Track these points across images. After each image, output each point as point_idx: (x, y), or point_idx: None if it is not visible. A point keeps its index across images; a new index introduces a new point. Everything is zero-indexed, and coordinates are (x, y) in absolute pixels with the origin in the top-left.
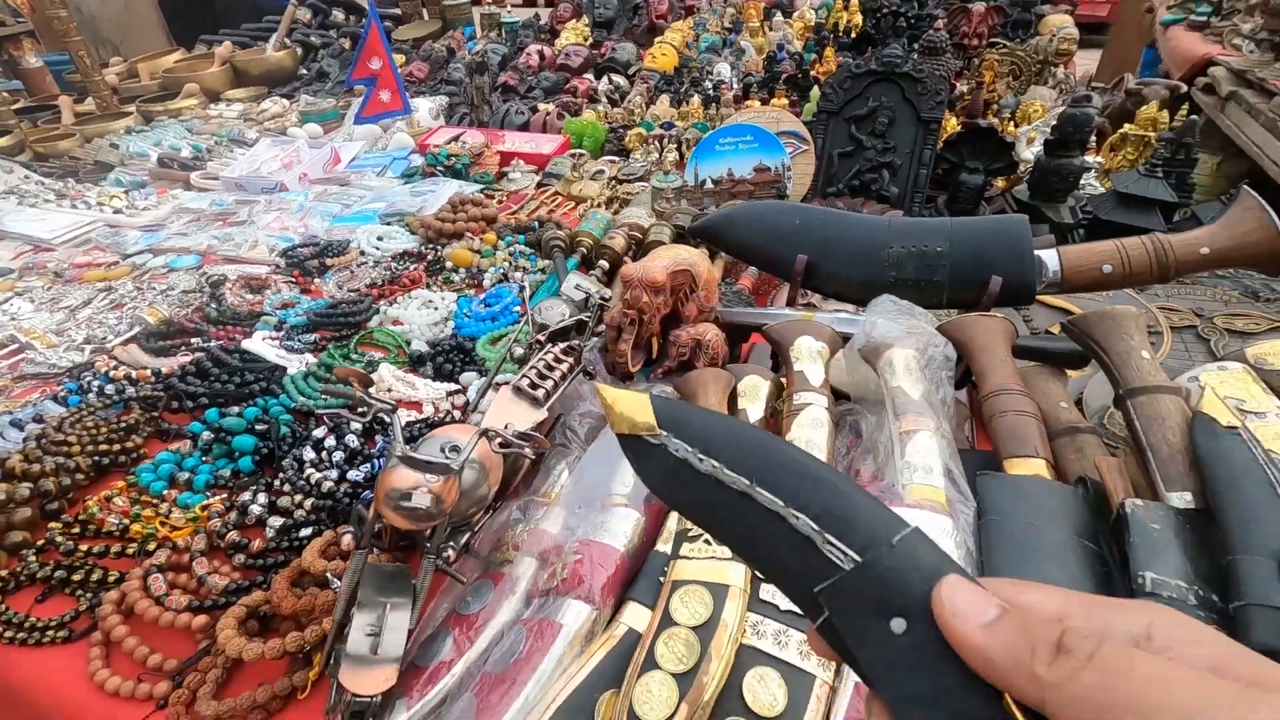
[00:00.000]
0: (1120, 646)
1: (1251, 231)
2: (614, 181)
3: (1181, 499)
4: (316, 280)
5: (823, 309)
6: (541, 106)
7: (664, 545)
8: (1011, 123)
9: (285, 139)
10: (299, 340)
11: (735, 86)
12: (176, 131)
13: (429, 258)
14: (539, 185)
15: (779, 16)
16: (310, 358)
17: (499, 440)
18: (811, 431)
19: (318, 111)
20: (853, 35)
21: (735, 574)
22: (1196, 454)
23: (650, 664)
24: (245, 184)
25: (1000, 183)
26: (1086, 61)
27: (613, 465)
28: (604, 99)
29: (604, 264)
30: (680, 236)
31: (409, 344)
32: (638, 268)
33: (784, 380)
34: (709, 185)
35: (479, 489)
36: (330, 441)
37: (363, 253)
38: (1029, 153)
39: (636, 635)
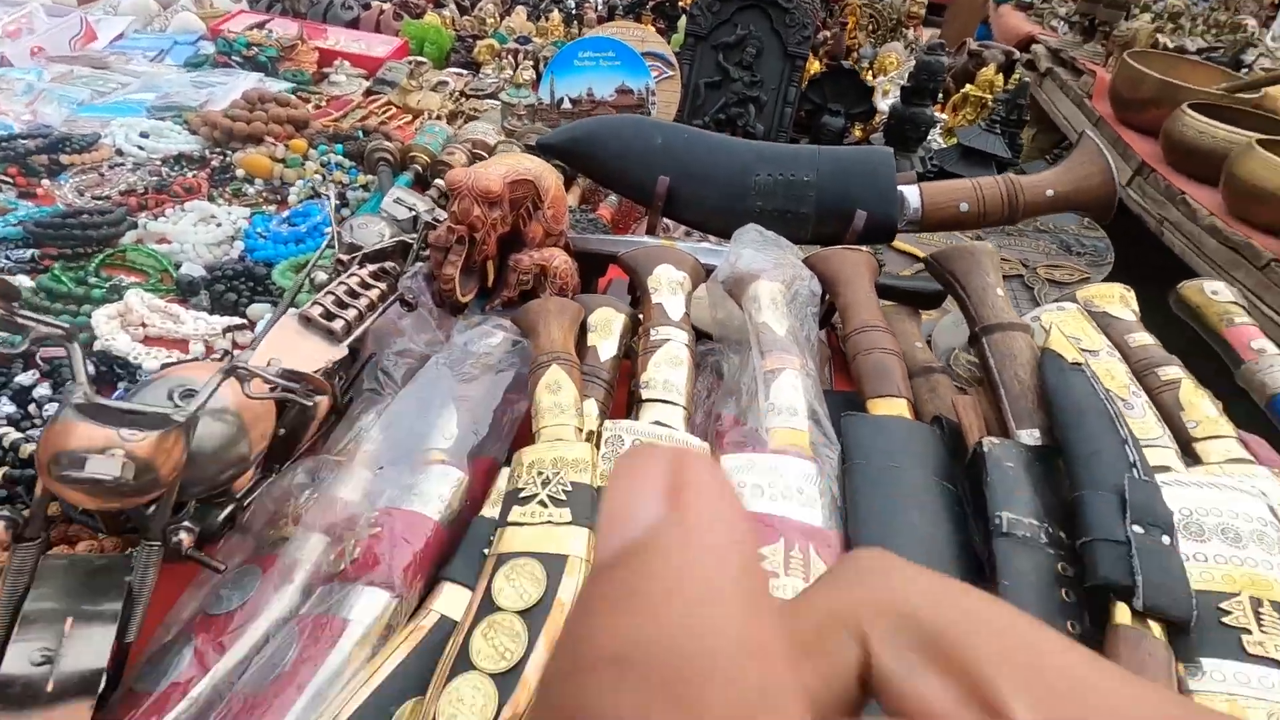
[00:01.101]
0: None
1: (1091, 175)
2: (459, 95)
3: (1031, 436)
4: (46, 183)
5: (684, 242)
6: (375, 3)
7: (491, 510)
8: (870, 73)
9: (12, 1)
10: (6, 257)
11: (600, 8)
12: None
13: (214, 164)
14: (368, 93)
15: None
16: (26, 280)
17: (256, 382)
18: (670, 371)
19: None
20: None
21: (576, 540)
22: (1045, 389)
23: (464, 664)
24: None
25: (858, 131)
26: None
27: (432, 411)
28: (451, 4)
29: (440, 183)
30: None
31: (178, 268)
32: (468, 173)
33: (640, 315)
34: (566, 105)
35: (234, 448)
36: (43, 390)
37: (119, 151)
38: (884, 104)
39: (450, 624)
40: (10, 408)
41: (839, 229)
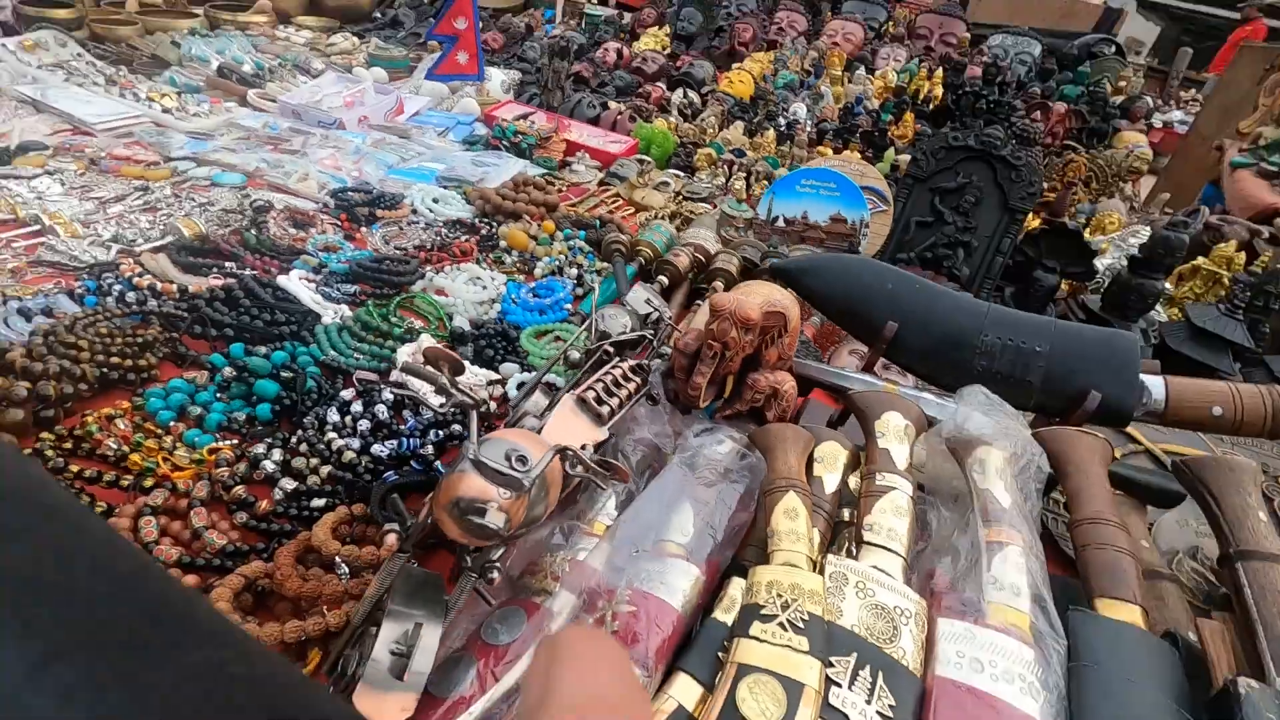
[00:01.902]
0: None
1: None
2: (678, 196)
3: None
4: (363, 229)
5: (901, 384)
6: (613, 104)
7: (723, 615)
8: (1086, 229)
9: (351, 77)
10: (338, 289)
11: (810, 129)
12: (241, 44)
13: (483, 232)
14: (601, 183)
15: (861, 70)
16: (346, 310)
17: (579, 465)
18: (894, 519)
19: (387, 58)
20: (931, 106)
21: (811, 671)
22: None
23: None
24: (303, 113)
25: (1066, 286)
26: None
27: (671, 508)
28: (676, 111)
29: (663, 279)
30: (747, 270)
31: (451, 319)
32: (731, 299)
33: (862, 453)
34: (780, 223)
35: (536, 508)
36: (357, 408)
37: (415, 211)
38: (1098, 263)
39: (685, 714)
40: (335, 417)
41: (1065, 405)
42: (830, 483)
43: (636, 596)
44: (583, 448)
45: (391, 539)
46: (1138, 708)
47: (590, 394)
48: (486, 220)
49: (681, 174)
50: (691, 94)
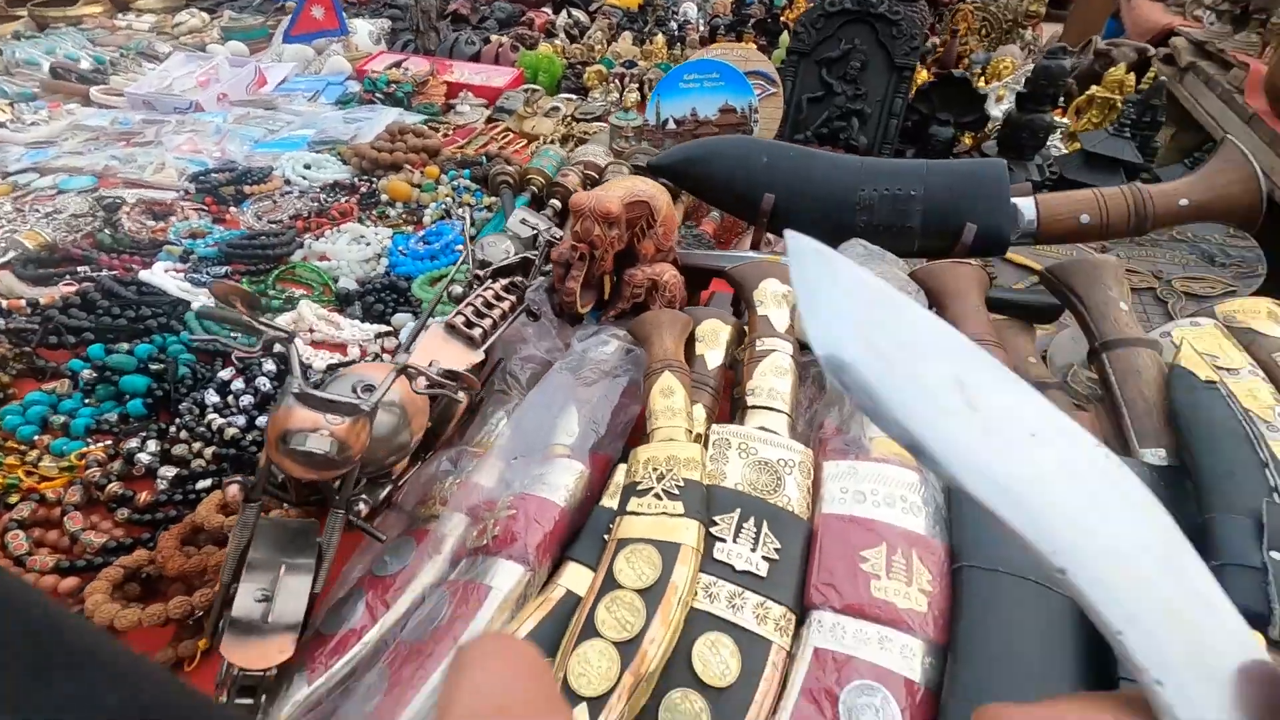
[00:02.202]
0: None
1: (1233, 184)
2: (570, 119)
3: (1156, 455)
4: (233, 209)
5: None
6: (494, 38)
7: (609, 500)
8: (981, 79)
9: (203, 55)
10: (207, 273)
11: (702, 28)
12: (75, 40)
13: (362, 190)
14: (489, 120)
15: None
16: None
17: (421, 379)
18: (775, 379)
19: (242, 28)
20: None
21: (688, 531)
22: (1174, 409)
23: (590, 631)
24: (154, 102)
25: (968, 139)
26: (1049, 33)
27: (556, 412)
28: (562, 33)
29: (556, 203)
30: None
31: (336, 281)
32: (590, 196)
33: (745, 327)
34: (671, 125)
35: (398, 435)
36: (238, 385)
37: (287, 181)
38: (997, 110)
39: (575, 599)
40: (215, 398)
41: (947, 244)
42: (713, 359)
43: (516, 500)
44: (430, 364)
45: (233, 491)
46: None
47: (459, 319)
48: (366, 177)
49: (574, 96)
50: (575, 13)
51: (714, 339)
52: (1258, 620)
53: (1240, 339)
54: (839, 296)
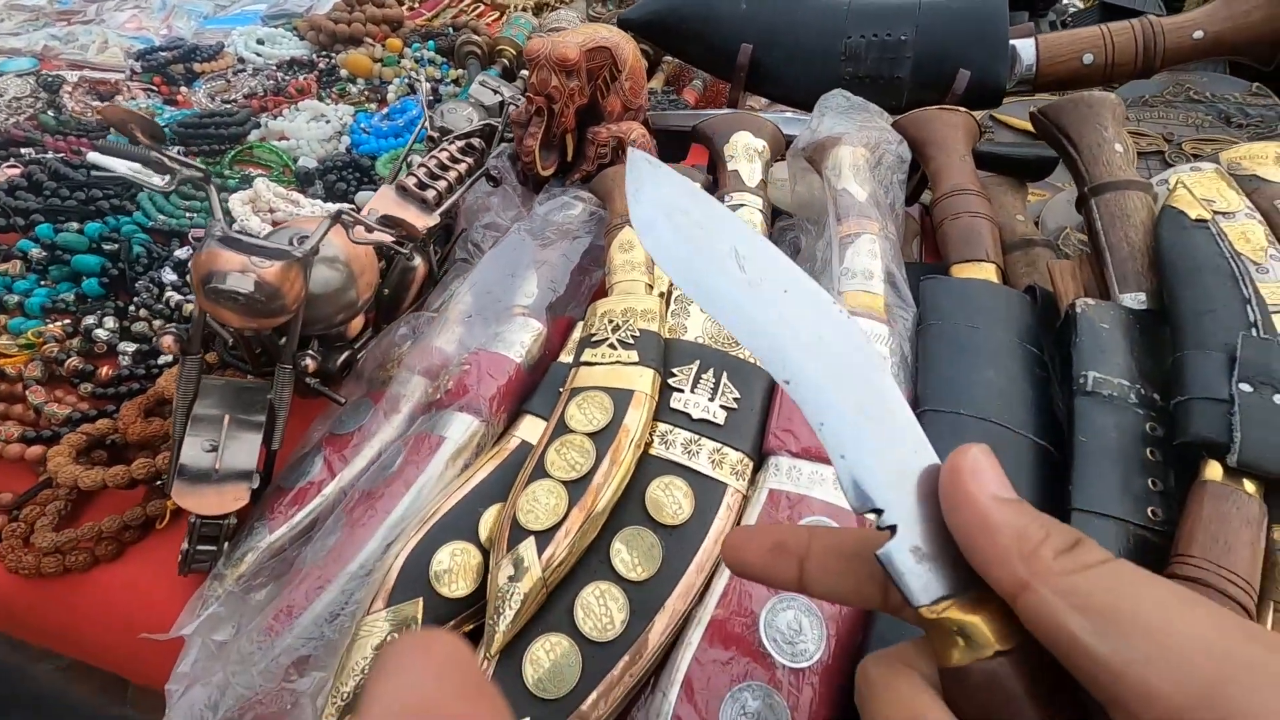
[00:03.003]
0: (1139, 570)
1: (1255, 10)
2: None
3: (1135, 299)
4: (184, 89)
5: (765, 113)
6: None
7: (568, 357)
8: None
9: None
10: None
11: None
12: None
13: (321, 66)
14: None
15: None
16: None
17: (360, 228)
18: None
19: None
20: None
21: (642, 378)
22: (1159, 246)
23: (539, 473)
24: None
25: None
26: None
27: (515, 272)
28: None
29: (525, 73)
30: None
31: (295, 161)
32: (545, 42)
33: (716, 183)
34: None
35: (345, 293)
36: None
37: (240, 59)
38: None
39: (529, 448)
40: (173, 276)
41: (939, 95)
42: None
43: (471, 357)
44: (367, 212)
45: (168, 340)
46: (978, 348)
47: (410, 180)
48: (324, 53)
49: None
50: None
51: None
52: (1217, 449)
53: (1243, 185)
54: (657, 191)
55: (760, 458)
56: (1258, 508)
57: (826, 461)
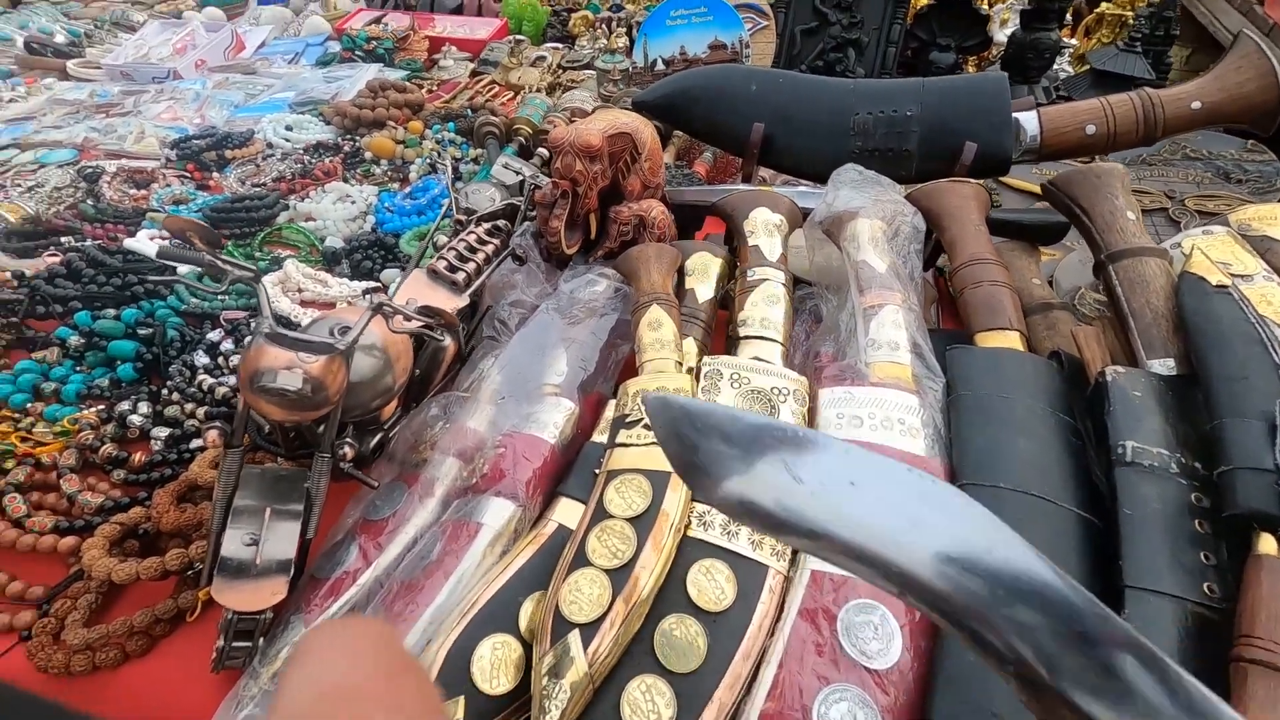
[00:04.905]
0: None
1: (1248, 81)
2: (556, 68)
3: (1164, 365)
4: (216, 175)
5: (780, 188)
6: None
7: (600, 436)
8: (985, 1)
9: (178, 22)
10: None
11: None
12: (48, 14)
13: (346, 149)
14: (473, 74)
15: None
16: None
17: (399, 318)
18: (767, 309)
19: None
20: None
21: None
22: (1183, 315)
23: (580, 561)
24: (132, 72)
25: (971, 67)
26: None
27: (544, 351)
28: None
29: (543, 152)
30: None
31: (322, 241)
32: (570, 130)
33: (737, 259)
34: (660, 66)
35: (382, 379)
36: (228, 346)
37: (270, 144)
38: (1002, 34)
39: (567, 533)
40: (205, 359)
41: (946, 166)
42: (703, 292)
43: (505, 439)
44: (406, 303)
45: (213, 434)
46: (1010, 417)
47: (441, 264)
48: (349, 136)
49: (560, 45)
50: None
51: (704, 272)
52: (1268, 522)
53: (1256, 246)
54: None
55: None
56: None
57: None
